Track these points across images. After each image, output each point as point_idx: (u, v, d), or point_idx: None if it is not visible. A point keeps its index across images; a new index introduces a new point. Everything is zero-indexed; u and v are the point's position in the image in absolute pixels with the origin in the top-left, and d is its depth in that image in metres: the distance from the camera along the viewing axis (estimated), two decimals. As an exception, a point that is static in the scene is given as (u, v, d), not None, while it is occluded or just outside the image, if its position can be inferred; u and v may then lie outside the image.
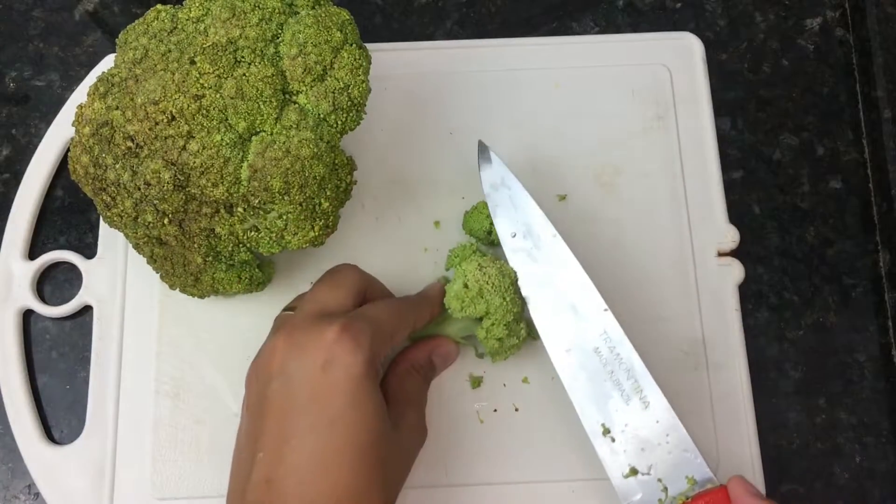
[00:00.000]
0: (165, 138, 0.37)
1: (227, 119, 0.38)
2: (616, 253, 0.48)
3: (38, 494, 0.46)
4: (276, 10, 0.39)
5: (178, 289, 0.45)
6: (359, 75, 0.40)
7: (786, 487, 0.47)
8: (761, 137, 0.53)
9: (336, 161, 0.41)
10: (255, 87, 0.38)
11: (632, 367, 0.41)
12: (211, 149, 0.37)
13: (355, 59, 0.40)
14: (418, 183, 0.50)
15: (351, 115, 0.40)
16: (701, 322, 0.47)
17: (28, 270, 0.49)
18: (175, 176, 0.38)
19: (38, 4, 0.56)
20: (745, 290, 0.49)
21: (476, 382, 0.46)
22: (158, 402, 0.46)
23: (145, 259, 0.44)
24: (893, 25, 0.53)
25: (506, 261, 0.44)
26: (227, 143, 0.38)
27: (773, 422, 0.48)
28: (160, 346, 0.47)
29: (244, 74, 0.38)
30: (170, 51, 0.39)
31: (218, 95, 0.38)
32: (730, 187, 0.51)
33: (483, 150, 0.47)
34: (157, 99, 0.37)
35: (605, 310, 0.42)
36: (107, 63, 0.52)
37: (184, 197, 0.38)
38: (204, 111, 0.37)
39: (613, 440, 0.40)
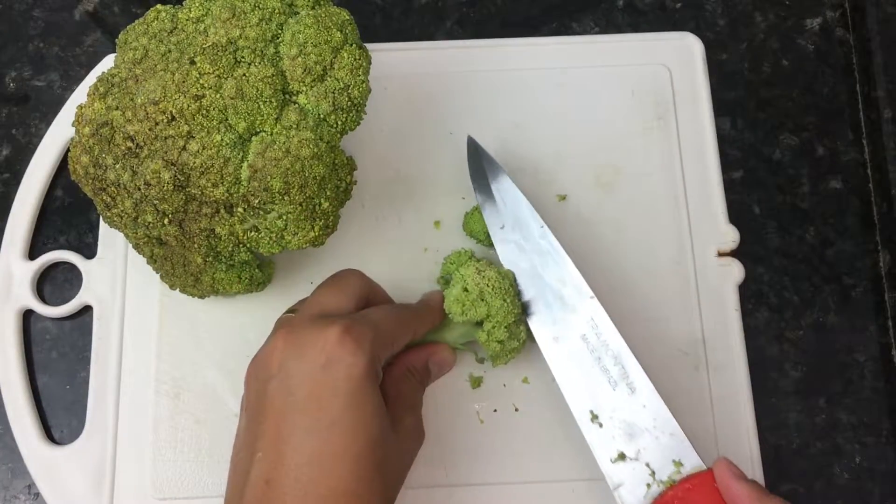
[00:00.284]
0: (165, 138, 0.37)
1: (227, 119, 0.38)
2: (616, 253, 0.48)
3: (38, 494, 0.46)
4: (276, 10, 0.39)
5: (178, 289, 0.45)
6: (359, 75, 0.40)
7: (786, 487, 0.47)
8: (761, 137, 0.53)
9: (336, 161, 0.41)
10: (255, 87, 0.38)
11: (619, 353, 0.42)
12: (211, 149, 0.37)
13: (355, 59, 0.40)
14: (418, 183, 0.50)
15: (351, 115, 0.40)
16: (701, 322, 0.47)
17: (28, 270, 0.49)
18: (175, 176, 0.38)
19: (38, 4, 0.56)
20: (745, 290, 0.49)
21: (476, 383, 0.46)
22: (158, 402, 0.46)
23: (145, 259, 0.44)
24: (893, 25, 0.53)
25: (496, 255, 0.45)
26: (227, 144, 0.38)
27: (773, 422, 0.48)
28: (160, 346, 0.47)
29: (244, 74, 0.38)
30: (170, 51, 0.39)
31: (218, 95, 0.38)
32: (730, 187, 0.51)
33: (472, 145, 0.47)
34: (157, 99, 0.37)
35: (592, 297, 0.43)
36: (107, 63, 0.52)
37: (184, 197, 0.38)
38: (204, 111, 0.37)
39: (601, 426, 0.41)
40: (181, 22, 0.40)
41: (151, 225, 0.39)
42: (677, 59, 0.52)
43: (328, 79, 0.39)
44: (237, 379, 0.46)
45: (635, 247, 0.49)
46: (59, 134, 0.51)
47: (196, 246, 0.41)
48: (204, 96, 0.38)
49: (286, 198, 0.38)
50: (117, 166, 0.38)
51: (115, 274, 0.48)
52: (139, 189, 0.38)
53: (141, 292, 0.48)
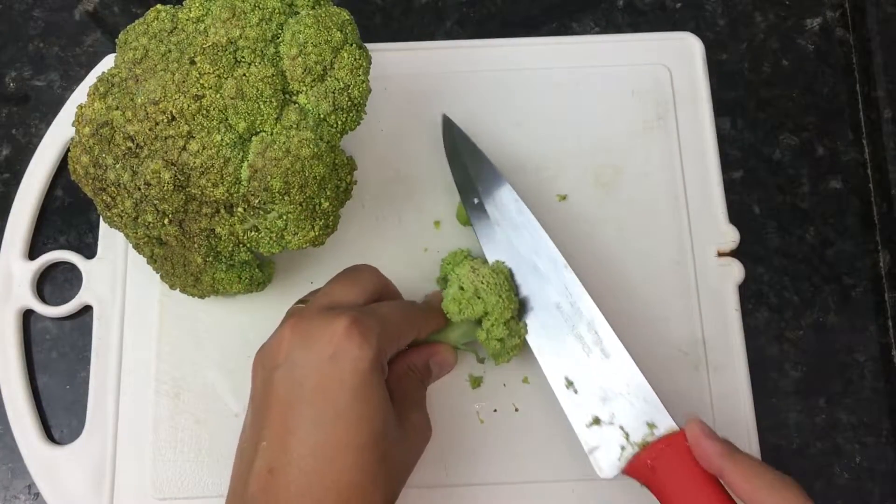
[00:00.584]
0: (165, 138, 0.37)
1: (227, 119, 0.38)
2: (616, 253, 0.48)
3: (38, 494, 0.46)
4: (276, 10, 0.39)
5: (178, 289, 0.45)
6: (359, 75, 0.40)
7: (786, 487, 0.47)
8: (761, 137, 0.53)
9: (336, 161, 0.41)
10: (255, 87, 0.38)
11: (592, 320, 0.43)
12: (211, 149, 0.37)
13: (355, 59, 0.40)
14: (418, 183, 0.50)
15: (351, 115, 0.40)
16: (701, 322, 0.47)
17: (28, 270, 0.49)
18: (175, 176, 0.38)
19: (38, 4, 0.56)
20: (745, 290, 0.49)
21: (476, 382, 0.46)
22: (158, 402, 0.46)
23: (145, 259, 0.44)
24: (893, 25, 0.53)
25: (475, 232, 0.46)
26: (228, 144, 0.38)
27: (773, 422, 0.48)
28: (160, 346, 0.47)
29: (244, 74, 0.38)
30: (170, 51, 0.39)
31: (218, 95, 0.38)
32: (730, 187, 0.51)
33: (447, 123, 0.48)
34: (157, 99, 0.37)
35: (566, 266, 0.44)
36: (107, 63, 0.52)
37: (184, 197, 0.38)
38: (204, 111, 0.37)
39: (577, 392, 0.42)
40: (181, 22, 0.40)
41: (151, 225, 0.40)
42: (677, 59, 0.52)
43: (328, 79, 0.39)
44: (237, 379, 0.46)
45: (635, 247, 0.49)
46: (59, 134, 0.51)
47: (196, 246, 0.41)
48: (204, 96, 0.38)
49: (286, 198, 0.38)
50: (117, 166, 0.38)
51: (115, 274, 0.48)
52: (139, 189, 0.38)
53: (141, 292, 0.48)
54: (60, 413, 0.48)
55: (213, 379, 0.46)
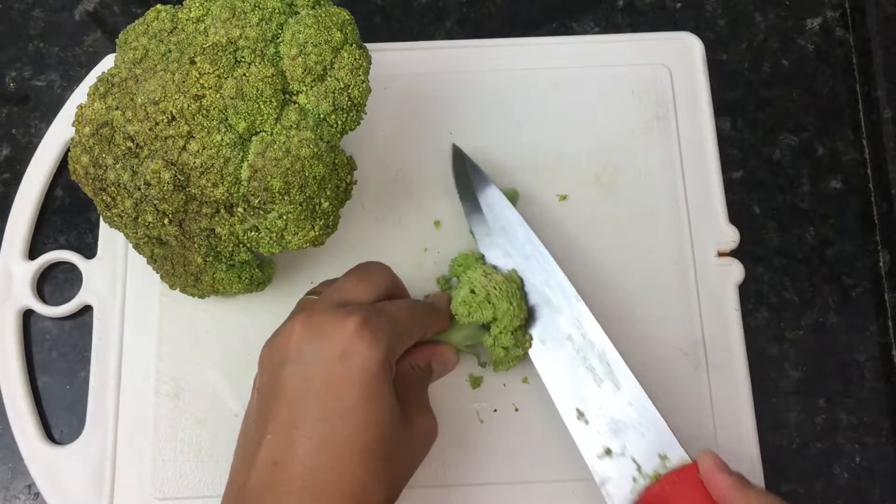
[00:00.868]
0: (165, 138, 0.37)
1: (227, 119, 0.38)
2: (616, 253, 0.48)
3: (38, 494, 0.46)
4: (276, 10, 0.39)
5: (178, 289, 0.45)
6: (359, 75, 0.40)
7: (786, 487, 0.47)
8: (761, 137, 0.53)
9: (336, 161, 0.41)
10: (256, 87, 0.38)
11: (603, 351, 0.42)
12: (211, 149, 0.37)
13: (355, 60, 0.40)
14: (418, 183, 0.50)
15: (351, 115, 0.40)
16: (701, 322, 0.47)
17: (28, 270, 0.49)
18: (175, 176, 0.38)
19: (38, 4, 0.56)
20: (745, 290, 0.49)
21: (476, 382, 0.46)
22: (158, 402, 0.46)
23: (145, 259, 0.44)
24: (893, 25, 0.53)
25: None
26: (228, 144, 0.38)
27: (773, 422, 0.48)
28: (160, 346, 0.47)
29: (244, 74, 0.38)
30: (170, 51, 0.39)
31: (218, 95, 0.38)
32: (730, 187, 0.51)
33: (457, 153, 0.49)
34: (157, 99, 0.37)
35: (577, 299, 0.44)
36: (107, 63, 0.52)
37: (184, 197, 0.38)
38: (204, 111, 0.37)
39: (587, 423, 0.42)
40: (181, 22, 0.40)
41: (151, 225, 0.40)
42: (677, 59, 0.52)
43: (328, 79, 0.39)
44: (237, 379, 0.46)
45: (635, 247, 0.49)
46: (59, 134, 0.51)
47: (196, 246, 0.41)
48: (204, 96, 0.38)
49: (286, 198, 0.38)
50: (117, 166, 0.38)
51: (115, 274, 0.48)
52: (139, 189, 0.38)
53: (141, 292, 0.48)
54: (60, 413, 0.48)
55: (213, 379, 0.46)
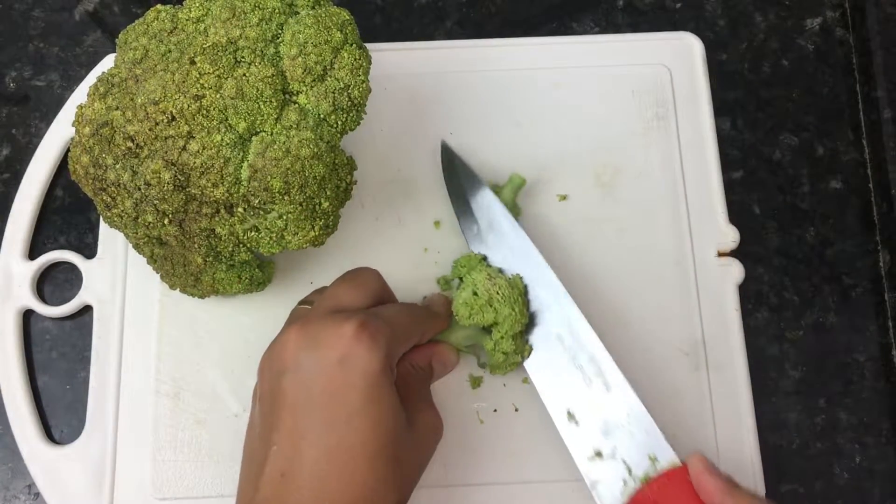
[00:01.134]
0: (165, 138, 0.37)
1: (227, 119, 0.38)
2: (616, 253, 0.48)
3: (38, 494, 0.46)
4: (276, 10, 0.39)
5: (178, 289, 0.45)
6: (359, 75, 0.40)
7: (786, 487, 0.47)
8: (761, 137, 0.53)
9: (336, 161, 0.41)
10: (256, 87, 0.38)
11: (593, 352, 0.42)
12: (211, 149, 0.37)
13: (355, 60, 0.40)
14: (418, 183, 0.50)
15: (351, 115, 0.40)
16: (701, 322, 0.47)
17: (28, 270, 0.49)
18: (175, 176, 0.38)
19: (38, 4, 0.56)
20: (745, 290, 0.49)
21: (476, 382, 0.46)
22: (158, 402, 0.46)
23: (145, 259, 0.44)
24: (893, 25, 0.53)
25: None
26: (228, 144, 0.38)
27: (773, 422, 0.48)
28: (160, 346, 0.47)
29: (244, 74, 0.38)
30: (170, 51, 0.39)
31: (218, 96, 0.38)
32: (730, 187, 0.51)
33: (445, 150, 0.48)
34: (157, 99, 0.37)
35: (566, 295, 0.43)
36: (107, 63, 0.52)
37: (184, 197, 0.38)
38: (204, 111, 0.37)
39: (578, 424, 0.42)
40: (181, 22, 0.40)
41: (151, 225, 0.39)
42: (677, 59, 0.52)
43: (328, 79, 0.39)
44: (237, 379, 0.46)
45: (635, 247, 0.49)
46: (59, 134, 0.51)
47: (196, 246, 0.41)
48: (204, 96, 0.38)
49: (286, 198, 0.38)
50: (117, 166, 0.38)
51: (115, 274, 0.48)
52: (139, 189, 0.38)
53: (141, 292, 0.48)
54: (60, 413, 0.48)
55: (213, 379, 0.46)
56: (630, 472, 0.40)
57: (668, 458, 0.40)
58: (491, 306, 0.42)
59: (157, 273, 0.45)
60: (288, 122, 0.39)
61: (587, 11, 0.56)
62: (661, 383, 0.46)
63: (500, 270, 0.45)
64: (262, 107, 0.38)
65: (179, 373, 0.46)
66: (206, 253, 0.41)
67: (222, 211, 0.39)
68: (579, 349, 0.42)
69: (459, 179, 0.47)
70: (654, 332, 0.47)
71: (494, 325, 0.42)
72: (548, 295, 0.44)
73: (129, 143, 0.38)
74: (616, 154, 0.50)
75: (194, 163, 0.37)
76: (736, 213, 0.50)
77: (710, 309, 0.48)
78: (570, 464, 0.44)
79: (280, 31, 0.39)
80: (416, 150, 0.50)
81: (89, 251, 0.50)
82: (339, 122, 0.40)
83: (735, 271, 0.48)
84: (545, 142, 0.50)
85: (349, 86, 0.39)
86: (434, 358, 0.43)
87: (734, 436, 0.46)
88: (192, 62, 0.38)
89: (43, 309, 0.48)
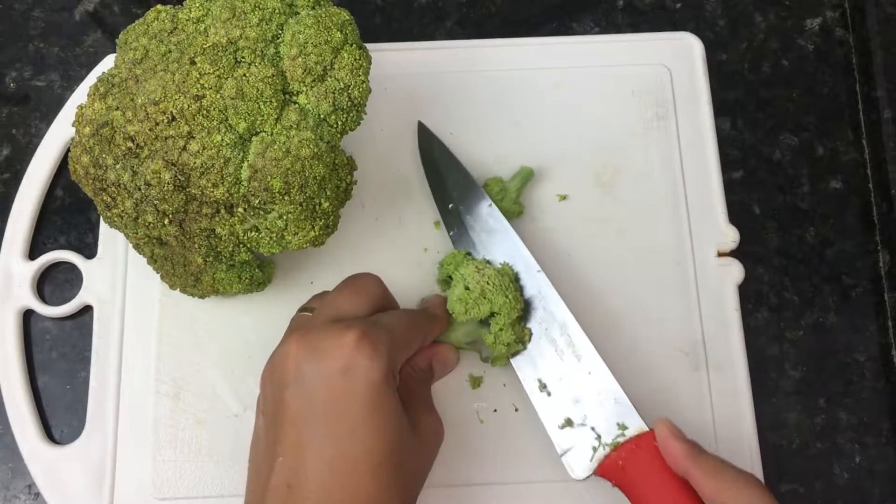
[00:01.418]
0: (166, 139, 0.37)
1: (227, 119, 0.38)
2: (616, 253, 0.48)
3: (38, 494, 0.46)
4: (276, 11, 0.39)
5: (178, 289, 0.45)
6: (359, 75, 0.40)
7: (786, 487, 0.47)
8: (761, 137, 0.53)
9: (336, 161, 0.41)
10: (256, 87, 0.38)
11: (565, 323, 0.43)
12: (211, 149, 0.37)
13: (355, 60, 0.40)
14: (418, 183, 0.50)
15: (351, 115, 0.40)
16: (701, 322, 0.47)
17: (28, 270, 0.49)
18: (175, 176, 0.38)
19: (38, 4, 0.56)
20: (745, 290, 0.49)
21: (476, 382, 0.46)
22: (158, 402, 0.46)
23: (145, 259, 0.44)
24: (893, 25, 0.53)
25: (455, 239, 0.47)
26: (228, 144, 0.38)
27: (773, 422, 0.48)
28: (160, 346, 0.47)
29: (244, 75, 0.38)
30: (170, 51, 0.39)
31: (218, 96, 0.38)
32: (730, 187, 0.51)
33: (422, 129, 0.49)
34: (157, 99, 0.37)
35: (539, 271, 0.44)
36: (107, 63, 0.52)
37: (184, 197, 0.38)
38: (204, 111, 0.37)
39: (550, 394, 0.42)
40: (181, 22, 0.40)
41: (152, 225, 0.39)
42: (677, 59, 0.52)
43: (328, 79, 0.39)
44: (237, 379, 0.46)
45: (635, 247, 0.49)
46: (59, 134, 0.51)
47: (196, 246, 0.41)
48: (204, 96, 0.38)
49: (286, 198, 0.38)
50: (117, 166, 0.38)
51: (115, 274, 0.48)
52: (139, 189, 0.38)
53: (141, 292, 0.48)
54: (60, 413, 0.48)
55: (213, 379, 0.46)
56: (599, 439, 0.41)
57: (636, 425, 0.41)
58: (485, 298, 0.42)
59: (158, 273, 0.45)
60: (288, 123, 0.39)
61: (587, 11, 0.56)
62: (661, 383, 0.46)
63: (487, 261, 0.45)
64: (262, 107, 0.38)
65: (179, 373, 0.46)
66: (206, 253, 0.41)
67: (222, 211, 0.39)
68: (551, 321, 0.43)
69: (434, 157, 0.48)
70: (654, 332, 0.47)
71: (493, 317, 0.42)
72: (520, 268, 0.44)
73: (130, 144, 0.38)
74: (616, 154, 0.50)
75: (194, 163, 0.37)
76: (736, 213, 0.50)
77: (710, 309, 0.48)
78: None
79: (280, 32, 0.39)
80: (416, 150, 0.50)
81: (89, 251, 0.50)
82: (339, 123, 0.40)
83: (735, 271, 0.48)
84: (545, 142, 0.50)
85: (349, 86, 0.39)
86: (434, 359, 0.43)
87: (734, 436, 0.46)
88: (193, 62, 0.38)
89: (43, 309, 0.48)
